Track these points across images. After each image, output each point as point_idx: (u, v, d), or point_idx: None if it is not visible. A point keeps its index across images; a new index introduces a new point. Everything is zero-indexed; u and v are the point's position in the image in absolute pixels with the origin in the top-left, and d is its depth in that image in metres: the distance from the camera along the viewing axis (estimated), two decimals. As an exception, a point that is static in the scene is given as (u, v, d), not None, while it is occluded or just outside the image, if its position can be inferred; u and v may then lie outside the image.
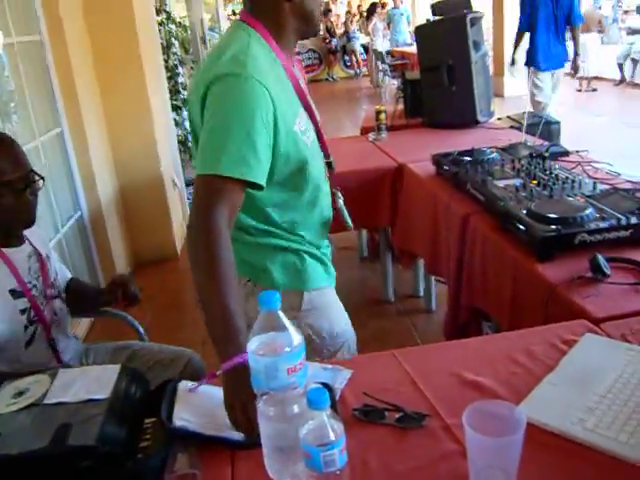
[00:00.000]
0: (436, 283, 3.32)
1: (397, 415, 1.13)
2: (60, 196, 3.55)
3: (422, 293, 3.54)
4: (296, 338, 0.96)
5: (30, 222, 1.72)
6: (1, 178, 1.59)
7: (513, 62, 6.23)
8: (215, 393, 1.16)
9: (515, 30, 6.10)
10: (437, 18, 3.81)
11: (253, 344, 0.96)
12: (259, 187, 1.38)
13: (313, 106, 1.61)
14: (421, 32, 3.86)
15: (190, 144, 4.82)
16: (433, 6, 3.93)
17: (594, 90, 11.02)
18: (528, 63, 5.86)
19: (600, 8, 13.60)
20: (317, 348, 1.65)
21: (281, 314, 0.96)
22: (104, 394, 1.16)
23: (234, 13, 8.30)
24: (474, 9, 3.65)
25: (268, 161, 1.39)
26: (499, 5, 10.56)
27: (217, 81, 1.37)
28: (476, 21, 3.53)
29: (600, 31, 11.52)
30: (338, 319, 1.73)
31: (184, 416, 1.11)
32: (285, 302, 1.00)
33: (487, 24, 12.14)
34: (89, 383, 1.20)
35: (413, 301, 3.57)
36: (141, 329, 2.04)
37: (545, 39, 5.69)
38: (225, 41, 1.53)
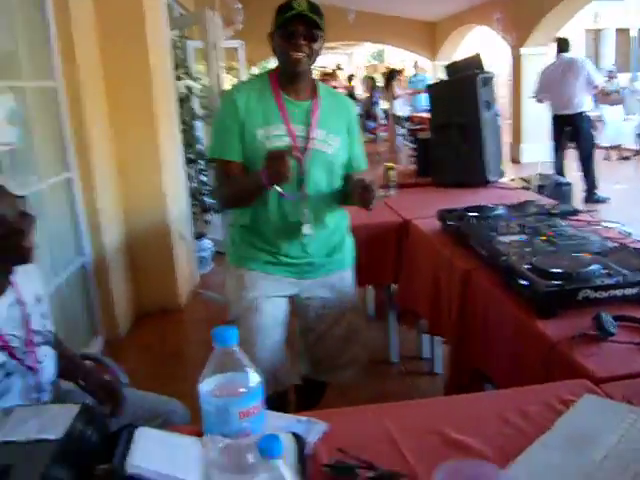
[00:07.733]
0: (441, 345, 3.19)
1: (370, 474, 1.03)
2: (63, 240, 3.52)
3: (427, 355, 3.40)
4: (253, 379, 0.87)
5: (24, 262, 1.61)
6: None
7: None
8: (174, 439, 1.07)
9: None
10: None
11: (209, 385, 0.88)
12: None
13: (298, 129, 2.02)
14: (433, 91, 3.86)
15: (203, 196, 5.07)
16: (447, 67, 3.95)
17: (626, 158, 10.74)
18: None
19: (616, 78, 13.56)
20: None
21: (237, 350, 0.87)
22: (56, 434, 1.07)
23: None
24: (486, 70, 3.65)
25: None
26: (517, 73, 10.64)
27: None
28: (487, 81, 3.50)
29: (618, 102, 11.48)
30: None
31: (139, 463, 1.02)
32: None
33: (504, 90, 12.25)
34: (44, 422, 1.12)
35: (417, 363, 3.43)
36: (123, 376, 1.95)
37: None
38: None
